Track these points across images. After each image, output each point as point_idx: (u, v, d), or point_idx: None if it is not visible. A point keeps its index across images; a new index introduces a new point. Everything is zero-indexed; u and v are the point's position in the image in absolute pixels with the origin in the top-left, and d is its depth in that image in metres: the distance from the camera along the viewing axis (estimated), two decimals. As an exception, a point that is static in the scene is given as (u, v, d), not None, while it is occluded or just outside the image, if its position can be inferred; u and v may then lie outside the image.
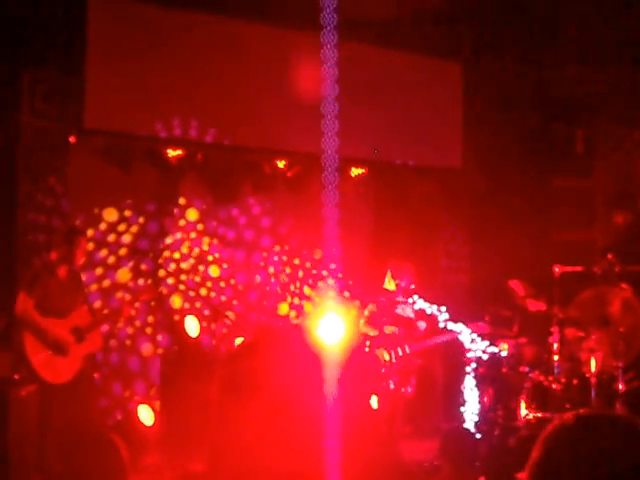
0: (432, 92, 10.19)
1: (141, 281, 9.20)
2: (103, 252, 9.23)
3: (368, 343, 8.05)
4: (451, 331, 8.16)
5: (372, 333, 8.11)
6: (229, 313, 8.13)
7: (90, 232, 9.05)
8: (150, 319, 9.41)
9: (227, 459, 1.73)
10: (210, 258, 9.91)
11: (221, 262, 9.98)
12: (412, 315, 8.27)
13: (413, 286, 8.21)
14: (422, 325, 8.31)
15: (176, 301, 9.56)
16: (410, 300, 8.33)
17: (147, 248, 9.13)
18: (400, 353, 7.93)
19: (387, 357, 7.86)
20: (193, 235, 9.81)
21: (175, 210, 9.67)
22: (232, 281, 10.05)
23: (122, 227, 9.39)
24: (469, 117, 10.46)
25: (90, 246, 8.91)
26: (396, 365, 7.89)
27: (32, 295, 6.67)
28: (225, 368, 1.84)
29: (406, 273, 8.21)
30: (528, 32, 9.67)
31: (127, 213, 9.40)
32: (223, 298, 9.95)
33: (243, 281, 10.12)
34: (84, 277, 8.05)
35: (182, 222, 9.75)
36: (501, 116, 10.52)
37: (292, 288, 10.44)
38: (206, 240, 9.90)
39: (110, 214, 9.30)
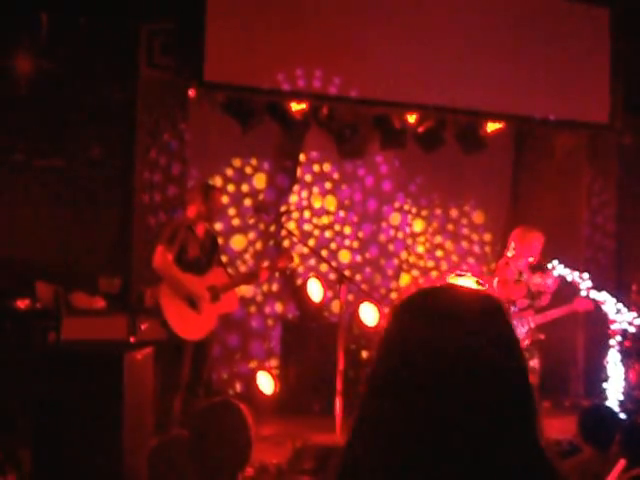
0: (577, 40, 9.43)
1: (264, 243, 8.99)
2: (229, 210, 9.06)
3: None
4: (580, 302, 7.46)
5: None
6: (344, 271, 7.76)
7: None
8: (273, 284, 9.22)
9: (374, 432, 1.47)
10: (332, 214, 9.60)
11: (346, 220, 9.65)
12: (550, 284, 7.59)
13: (531, 259, 7.42)
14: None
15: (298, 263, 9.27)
16: (549, 266, 7.67)
17: (269, 206, 8.87)
18: (525, 327, 7.31)
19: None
20: (318, 194, 9.50)
21: (298, 167, 9.37)
22: (357, 239, 9.70)
23: (242, 184, 9.17)
24: (617, 67, 9.64)
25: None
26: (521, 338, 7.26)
27: (171, 249, 6.60)
28: (387, 331, 1.55)
29: (533, 243, 7.47)
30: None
31: (248, 170, 9.21)
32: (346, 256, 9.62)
33: (370, 243, 9.77)
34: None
35: (305, 179, 9.45)
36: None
37: (422, 249, 10.05)
38: (331, 199, 9.57)
39: (230, 171, 9.11)
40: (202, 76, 7.93)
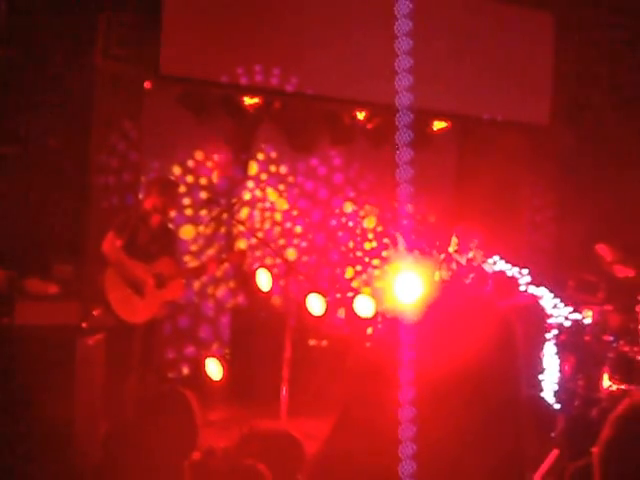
0: (521, 43, 9.70)
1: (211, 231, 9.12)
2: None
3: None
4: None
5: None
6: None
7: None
8: (221, 272, 9.33)
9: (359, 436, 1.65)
10: (283, 208, 9.75)
11: (296, 215, 9.80)
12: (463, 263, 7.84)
13: (481, 252, 7.74)
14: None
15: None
16: (491, 261, 7.97)
17: (220, 198, 9.00)
18: None
19: None
20: (268, 187, 9.65)
21: (250, 159, 9.51)
22: (307, 235, 9.87)
23: (195, 175, 9.29)
24: (560, 69, 9.93)
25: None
26: None
27: (120, 236, 6.89)
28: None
29: (474, 237, 7.75)
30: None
31: (201, 161, 9.28)
32: (293, 250, 9.79)
33: (318, 235, 9.93)
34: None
35: (256, 172, 9.60)
36: (595, 69, 9.96)
37: (369, 245, 10.23)
38: (282, 192, 9.72)
39: (183, 162, 9.21)
40: (158, 69, 8.04)
